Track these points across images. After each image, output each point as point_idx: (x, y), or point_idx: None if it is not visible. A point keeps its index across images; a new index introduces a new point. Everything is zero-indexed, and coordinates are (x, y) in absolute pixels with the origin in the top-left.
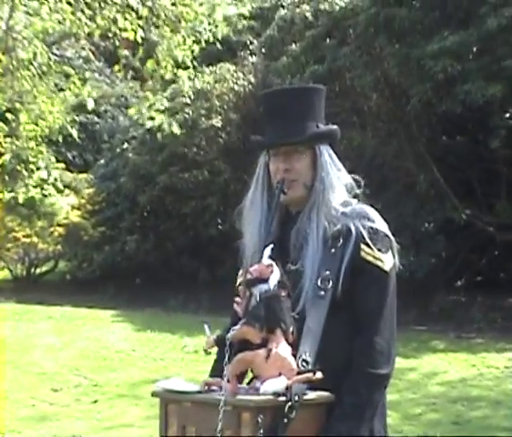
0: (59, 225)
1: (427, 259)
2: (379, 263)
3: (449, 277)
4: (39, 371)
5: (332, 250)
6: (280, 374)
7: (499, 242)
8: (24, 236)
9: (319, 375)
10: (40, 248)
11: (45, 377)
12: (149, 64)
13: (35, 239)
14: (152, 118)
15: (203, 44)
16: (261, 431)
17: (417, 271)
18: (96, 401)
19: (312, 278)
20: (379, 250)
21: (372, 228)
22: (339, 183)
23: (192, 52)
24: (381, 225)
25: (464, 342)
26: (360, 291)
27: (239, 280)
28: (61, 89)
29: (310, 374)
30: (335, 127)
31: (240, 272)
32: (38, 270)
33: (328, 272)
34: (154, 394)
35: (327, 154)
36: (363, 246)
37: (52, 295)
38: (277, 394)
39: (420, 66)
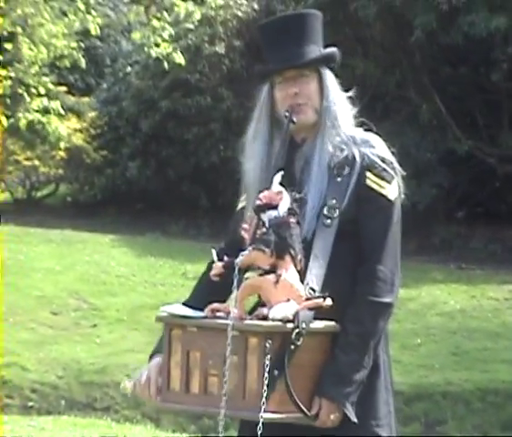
0: (61, 148)
1: (429, 190)
2: (384, 191)
3: (450, 208)
4: (39, 295)
5: (339, 179)
6: (288, 300)
7: (500, 174)
8: (25, 159)
9: (328, 301)
10: (41, 171)
11: (44, 300)
12: None
13: (36, 162)
14: (157, 45)
15: None
16: (269, 356)
17: (419, 202)
18: (95, 326)
19: (315, 205)
20: (384, 179)
21: (378, 156)
22: (347, 106)
23: None
24: (387, 154)
25: (464, 273)
26: (364, 220)
27: (240, 207)
28: (65, 14)
29: (320, 300)
30: (335, 49)
31: (241, 200)
32: (39, 194)
33: (334, 201)
34: (158, 319)
35: (332, 77)
36: (368, 174)
37: (52, 218)
38: (285, 320)
39: None
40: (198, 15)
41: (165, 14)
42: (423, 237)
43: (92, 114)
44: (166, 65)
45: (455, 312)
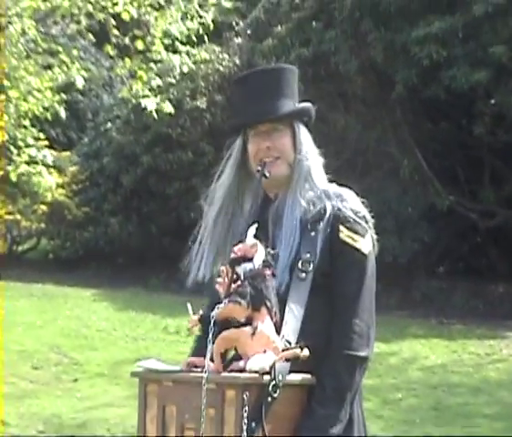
0: (43, 203)
1: (410, 245)
2: (357, 245)
3: (431, 262)
4: (20, 349)
5: (313, 233)
6: (265, 351)
7: (482, 229)
8: (6, 213)
9: (306, 352)
10: (23, 225)
11: (25, 354)
12: (140, 44)
13: (18, 217)
14: (147, 97)
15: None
16: (246, 409)
17: (400, 256)
18: (76, 380)
19: (285, 260)
20: (357, 233)
21: (351, 209)
22: (319, 161)
23: (189, 30)
24: (360, 207)
25: (445, 328)
26: (338, 273)
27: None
28: (49, 67)
29: (297, 350)
30: (310, 104)
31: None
32: (20, 248)
33: (308, 255)
34: (133, 375)
35: (305, 132)
36: (341, 228)
37: (34, 273)
38: (262, 372)
39: (405, 52)
40: (185, 69)
41: (152, 65)
42: (404, 291)
43: (73, 168)
44: (155, 115)
45: (436, 367)
